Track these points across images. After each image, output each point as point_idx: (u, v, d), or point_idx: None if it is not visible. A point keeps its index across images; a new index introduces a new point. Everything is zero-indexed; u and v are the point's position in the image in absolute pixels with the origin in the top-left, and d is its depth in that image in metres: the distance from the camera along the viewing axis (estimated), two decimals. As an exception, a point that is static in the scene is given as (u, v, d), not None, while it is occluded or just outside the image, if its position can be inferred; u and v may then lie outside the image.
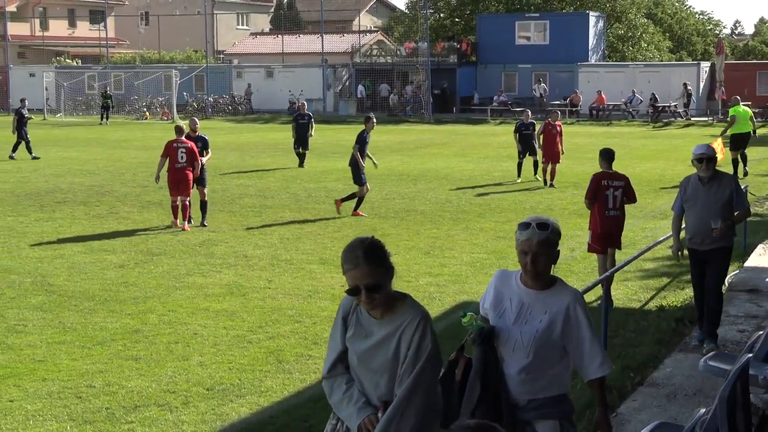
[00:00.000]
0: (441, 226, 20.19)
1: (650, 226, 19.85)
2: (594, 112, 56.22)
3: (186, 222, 20.79)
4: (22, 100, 38.84)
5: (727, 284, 13.65)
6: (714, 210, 10.68)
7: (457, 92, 63.11)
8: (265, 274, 15.80)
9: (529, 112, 28.39)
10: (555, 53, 61.16)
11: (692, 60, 75.85)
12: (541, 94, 59.37)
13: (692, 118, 54.65)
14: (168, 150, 20.58)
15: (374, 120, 22.40)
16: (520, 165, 28.12)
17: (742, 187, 11.44)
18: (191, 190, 20.76)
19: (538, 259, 5.15)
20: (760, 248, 16.48)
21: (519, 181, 27.50)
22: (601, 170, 13.55)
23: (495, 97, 60.25)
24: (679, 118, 54.06)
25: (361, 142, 21.86)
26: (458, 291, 14.45)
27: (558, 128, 26.57)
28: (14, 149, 35.77)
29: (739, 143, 27.81)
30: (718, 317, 11.04)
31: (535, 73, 61.86)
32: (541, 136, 26.92)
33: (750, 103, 44.03)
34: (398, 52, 66.24)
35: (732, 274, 14.56)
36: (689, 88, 56.02)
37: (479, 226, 20.17)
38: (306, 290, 14.52)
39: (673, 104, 55.16)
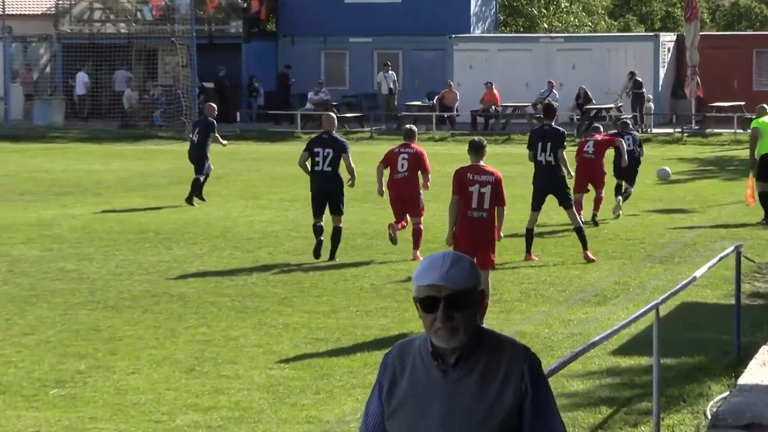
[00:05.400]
0: (216, 322, 17.21)
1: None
2: (480, 119, 46.84)
3: None
4: None
5: (709, 415, 12.15)
6: None
7: (243, 85, 52.25)
8: None
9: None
10: (413, 19, 50.89)
11: (646, 30, 65.55)
12: (390, 88, 47.98)
13: (649, 130, 45.34)
14: None
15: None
16: None
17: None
18: None
19: None
20: (764, 352, 13.59)
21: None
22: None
23: (310, 95, 49.36)
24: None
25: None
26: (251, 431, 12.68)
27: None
28: None
29: None
30: None
31: (378, 53, 51.92)
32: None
33: (743, 103, 41.55)
34: (139, 17, 55.62)
35: (720, 396, 12.76)
36: (638, 78, 45.08)
37: (283, 320, 17.07)
38: None
39: (614, 106, 45.01)
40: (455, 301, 4.99)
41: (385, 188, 20.66)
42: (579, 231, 19.96)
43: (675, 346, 13.94)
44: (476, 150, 14.68)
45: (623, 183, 25.50)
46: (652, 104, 45.05)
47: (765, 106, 26.31)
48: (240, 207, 28.31)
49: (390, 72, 47.91)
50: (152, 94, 51.03)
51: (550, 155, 19.74)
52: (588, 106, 45.37)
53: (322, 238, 20.03)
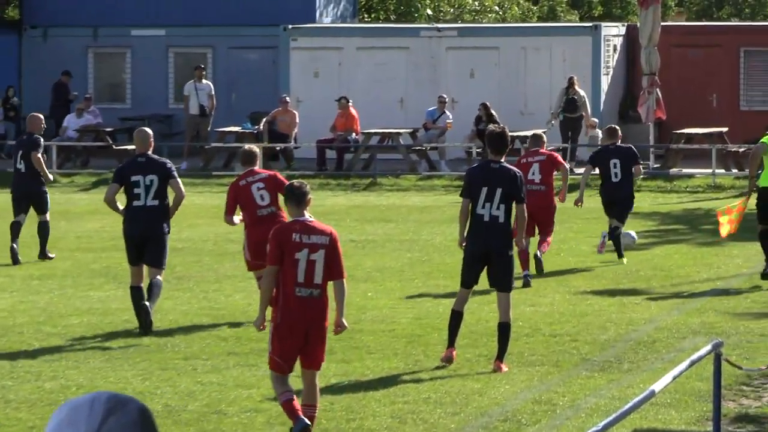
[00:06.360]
0: None
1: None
2: (330, 152, 40.04)
3: None
4: None
5: None
6: None
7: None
8: None
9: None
10: (229, 1, 44.61)
11: (581, 19, 59.90)
12: (202, 105, 40.58)
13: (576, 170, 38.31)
14: None
15: None
16: None
17: None
18: None
19: None
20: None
21: None
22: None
23: (68, 118, 41.54)
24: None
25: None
26: None
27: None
28: None
29: None
30: None
31: (176, 52, 45.06)
32: None
33: (726, 129, 35.53)
34: None
35: None
36: (578, 92, 38.00)
37: None
38: None
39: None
40: None
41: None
42: (505, 328, 17.53)
43: (624, 499, 14.93)
44: (297, 199, 13.08)
45: (613, 221, 24.22)
46: (599, 131, 36.15)
47: None
48: None
49: (205, 82, 39.96)
50: None
51: (498, 208, 17.06)
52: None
53: (144, 302, 19.03)
